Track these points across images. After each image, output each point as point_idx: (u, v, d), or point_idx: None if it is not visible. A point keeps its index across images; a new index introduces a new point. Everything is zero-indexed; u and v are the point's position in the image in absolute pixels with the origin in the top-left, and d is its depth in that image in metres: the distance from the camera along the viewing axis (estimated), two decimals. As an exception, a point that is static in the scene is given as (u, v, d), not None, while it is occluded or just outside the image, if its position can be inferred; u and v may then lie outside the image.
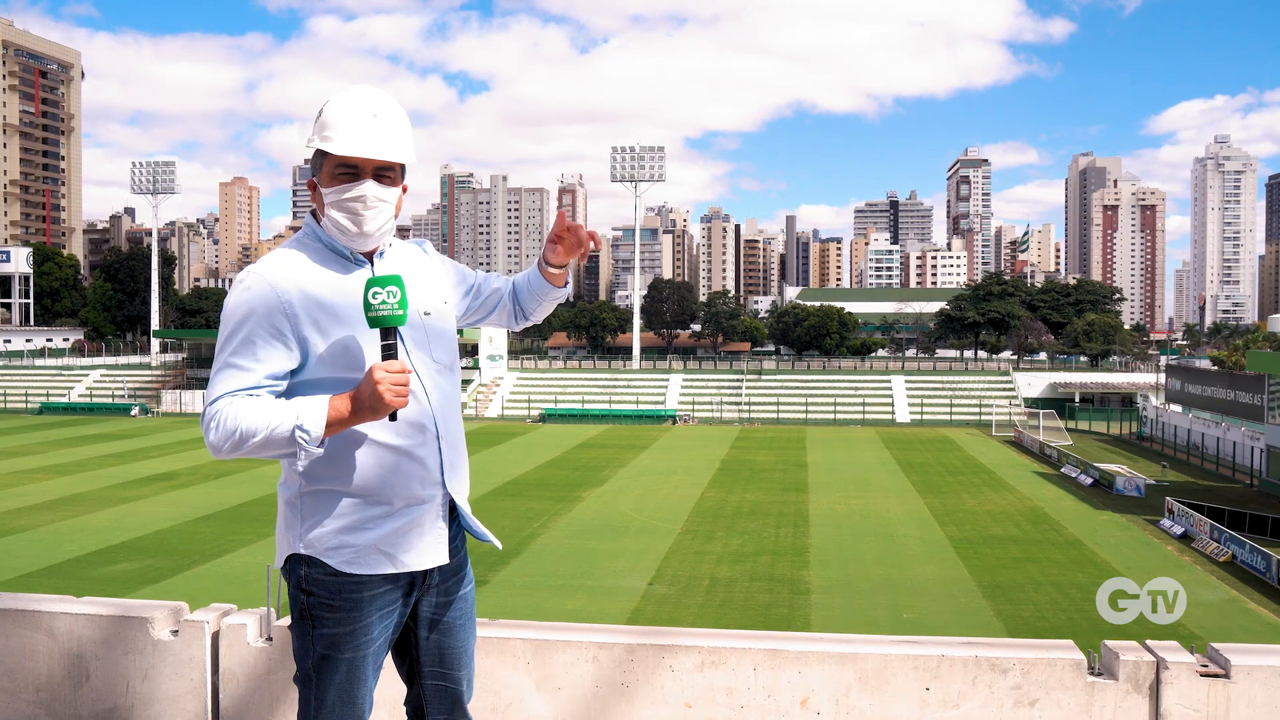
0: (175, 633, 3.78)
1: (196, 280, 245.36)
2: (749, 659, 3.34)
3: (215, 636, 3.75)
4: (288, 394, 2.43)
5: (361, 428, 2.43)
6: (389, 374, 2.31)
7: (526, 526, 32.24)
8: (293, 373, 2.44)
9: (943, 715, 3.24)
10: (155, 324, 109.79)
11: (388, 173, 2.49)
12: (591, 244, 2.76)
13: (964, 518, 34.88)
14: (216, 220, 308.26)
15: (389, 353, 2.38)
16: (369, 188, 2.45)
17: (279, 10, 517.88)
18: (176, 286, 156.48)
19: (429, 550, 2.55)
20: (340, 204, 2.45)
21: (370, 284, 2.38)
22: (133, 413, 74.45)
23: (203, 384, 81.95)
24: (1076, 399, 74.76)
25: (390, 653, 2.65)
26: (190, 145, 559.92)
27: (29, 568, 26.36)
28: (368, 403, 2.32)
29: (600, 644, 3.44)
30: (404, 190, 2.56)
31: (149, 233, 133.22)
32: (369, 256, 2.54)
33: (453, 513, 2.63)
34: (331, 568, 2.47)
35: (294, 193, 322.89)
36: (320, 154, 2.48)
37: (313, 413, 2.32)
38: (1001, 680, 3.22)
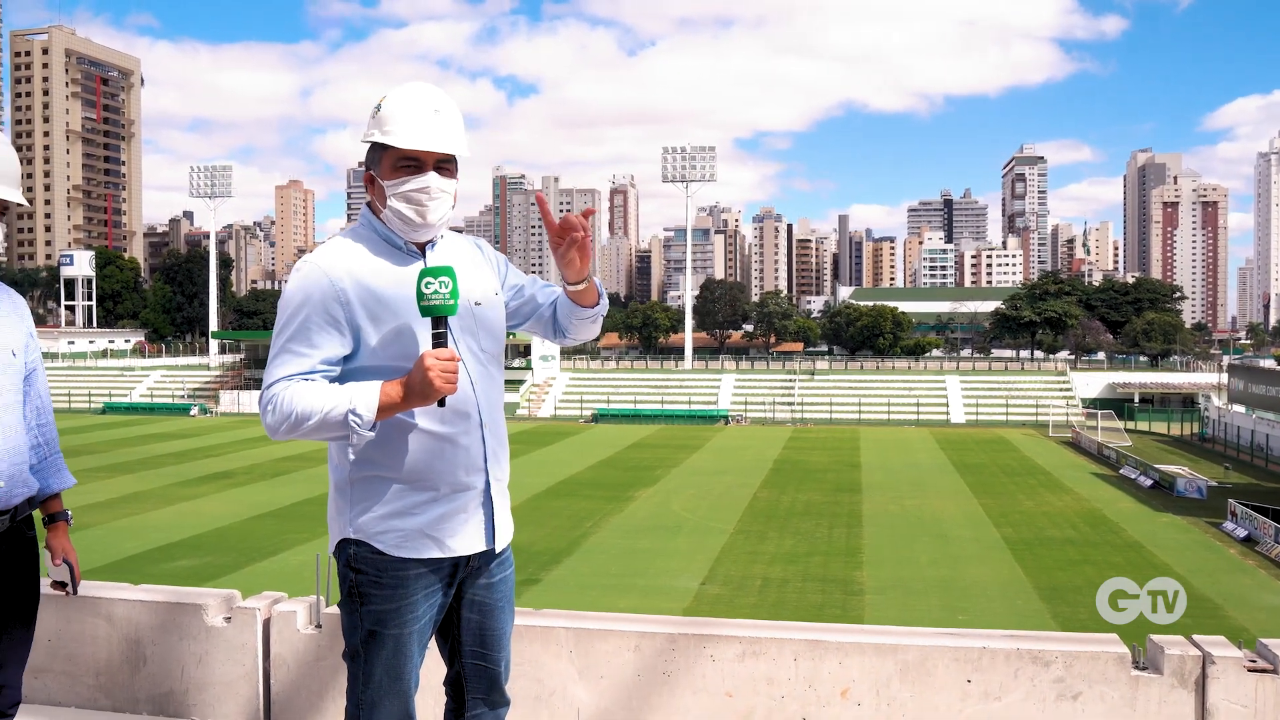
0: (228, 619, 3.87)
1: (253, 282, 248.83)
2: (790, 649, 3.36)
3: (266, 623, 3.83)
4: (341, 379, 2.50)
5: (409, 415, 2.50)
6: (439, 361, 2.37)
7: (579, 526, 32.35)
8: (346, 359, 2.51)
9: (984, 708, 3.23)
10: (213, 325, 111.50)
11: (447, 165, 2.56)
12: (582, 220, 2.79)
13: (1020, 519, 34.50)
14: (273, 223, 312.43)
15: (439, 341, 2.44)
16: (432, 179, 2.52)
17: (332, 18, 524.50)
18: (234, 288, 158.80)
19: (473, 535, 2.61)
20: (404, 195, 2.52)
21: (424, 274, 2.44)
22: (192, 413, 75.64)
23: (260, 384, 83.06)
24: (1136, 399, 73.62)
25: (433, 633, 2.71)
26: (247, 150, 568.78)
27: (92, 564, 26.88)
28: (418, 389, 2.38)
29: (642, 633, 3.47)
30: (457, 182, 2.64)
31: (207, 236, 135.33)
32: (421, 248, 2.61)
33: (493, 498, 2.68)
34: (375, 548, 2.54)
35: (348, 195, 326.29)
36: (380, 148, 2.55)
37: (365, 397, 2.39)
38: (1044, 673, 3.20)
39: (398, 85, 2.59)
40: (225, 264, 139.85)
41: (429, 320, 2.47)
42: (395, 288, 2.52)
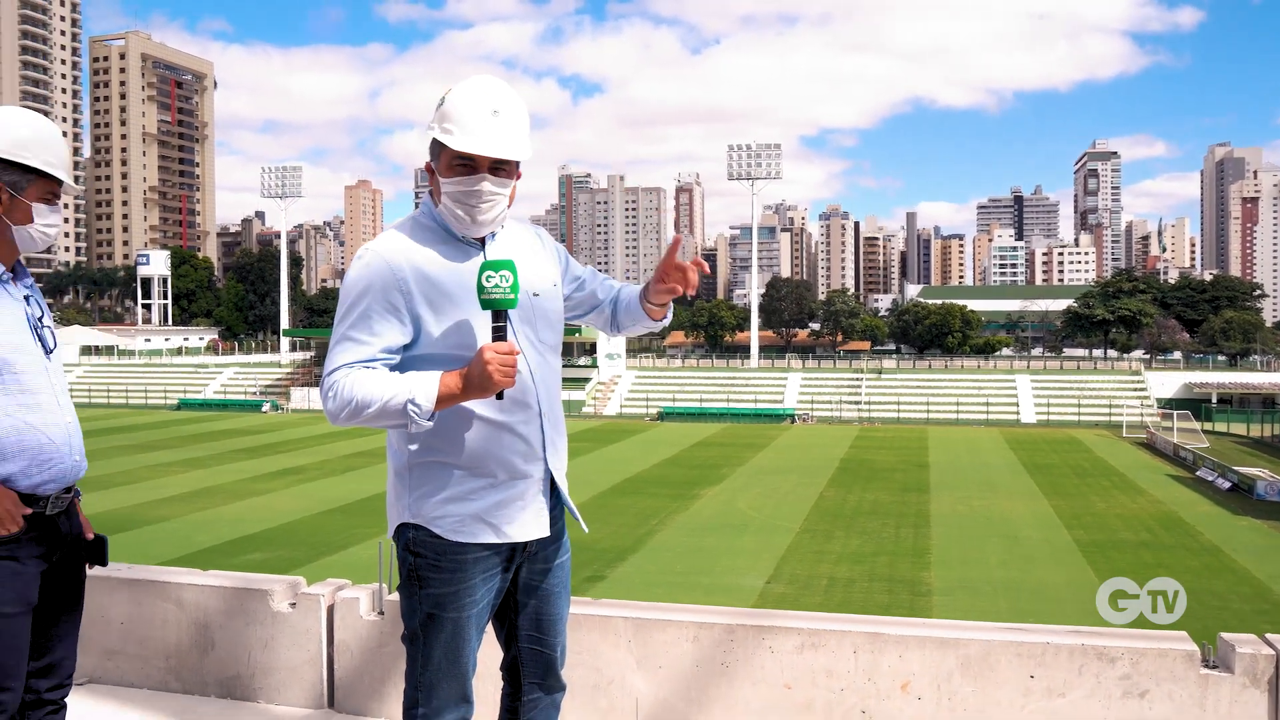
0: (293, 605, 3.93)
1: (323, 281, 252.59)
2: (849, 641, 3.33)
3: (330, 609, 3.89)
4: (400, 368, 2.52)
5: (468, 404, 2.52)
6: (498, 355, 2.39)
7: (644, 524, 32.38)
8: (406, 347, 2.53)
9: (1048, 704, 3.18)
10: (285, 323, 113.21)
11: (503, 167, 2.55)
12: (698, 274, 2.75)
13: (1092, 521, 33.90)
14: (342, 222, 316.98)
15: (499, 334, 2.46)
16: (485, 184, 2.52)
17: (399, 21, 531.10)
18: (304, 287, 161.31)
19: (530, 523, 2.63)
20: (456, 195, 2.53)
21: (484, 267, 2.46)
22: (264, 409, 76.89)
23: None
24: (1214, 400, 71.96)
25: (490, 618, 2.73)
26: (317, 151, 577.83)
27: (166, 556, 27.44)
28: (477, 381, 2.40)
29: (700, 624, 3.47)
30: (518, 178, 2.63)
31: (278, 235, 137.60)
32: (480, 239, 2.62)
33: (553, 486, 2.69)
34: (437, 533, 2.57)
35: (415, 195, 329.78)
36: (440, 143, 2.56)
37: (425, 387, 2.41)
38: (1109, 670, 3.14)
39: (464, 79, 2.58)
40: (296, 263, 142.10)
41: (489, 312, 2.49)
42: (454, 278, 2.54)
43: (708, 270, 2.81)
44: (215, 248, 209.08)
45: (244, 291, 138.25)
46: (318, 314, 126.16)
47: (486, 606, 2.64)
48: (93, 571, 2.98)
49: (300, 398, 79.98)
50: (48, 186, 2.78)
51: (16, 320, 2.71)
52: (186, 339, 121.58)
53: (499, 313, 2.47)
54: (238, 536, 30.12)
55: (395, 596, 3.83)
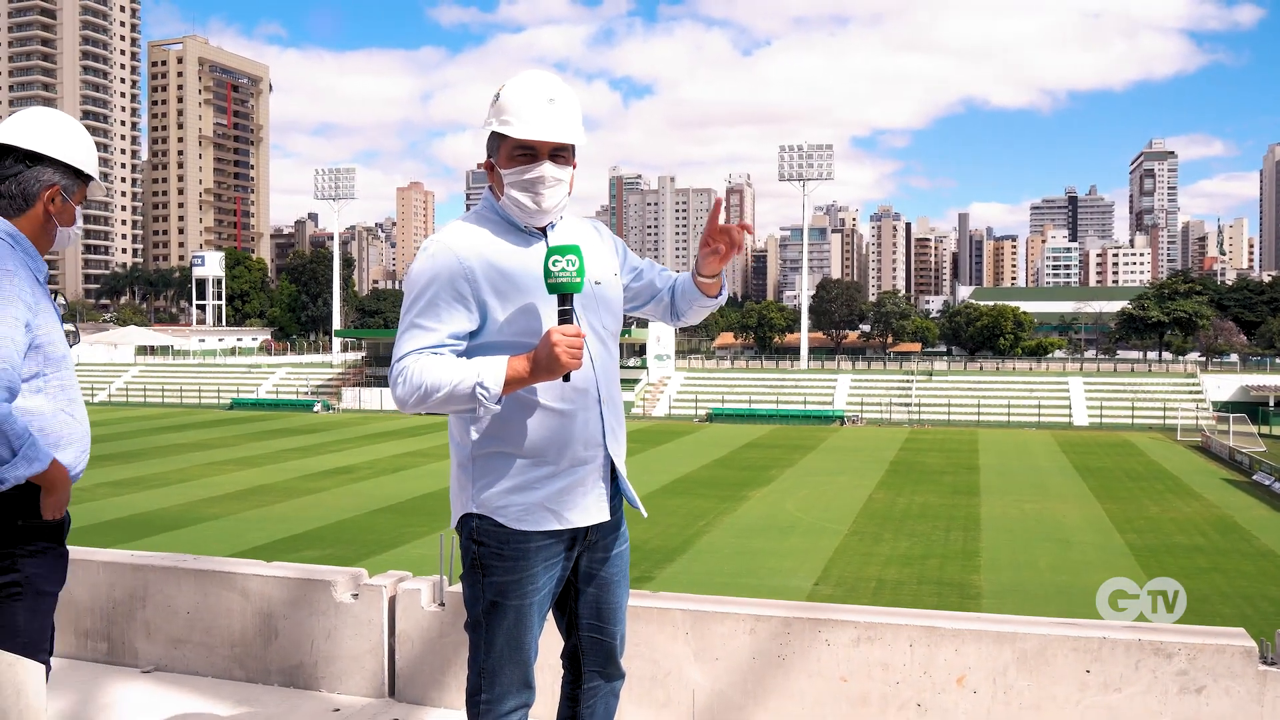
0: (355, 596, 4.01)
1: (375, 282, 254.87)
2: (905, 635, 3.35)
3: (392, 600, 3.97)
4: (468, 355, 2.58)
5: (530, 392, 2.58)
6: (565, 337, 2.45)
7: (693, 525, 32.39)
8: (472, 335, 2.60)
9: (1104, 699, 3.19)
10: (336, 324, 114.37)
11: (562, 153, 2.63)
12: (745, 235, 2.83)
13: (1145, 525, 33.46)
14: (394, 224, 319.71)
15: (565, 318, 2.52)
16: (547, 168, 2.60)
17: (452, 25, 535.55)
18: (356, 288, 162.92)
19: (591, 508, 2.68)
20: (520, 184, 2.60)
21: (550, 252, 2.52)
22: (315, 409, 77.71)
23: (382, 381, 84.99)
24: (1271, 403, 70.64)
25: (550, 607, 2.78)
26: (370, 154, 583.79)
27: (220, 552, 27.82)
28: (545, 364, 2.46)
29: (757, 616, 3.50)
30: (574, 168, 2.70)
31: (331, 237, 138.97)
32: (542, 230, 2.68)
33: (612, 473, 2.74)
34: (501, 522, 2.62)
35: (467, 196, 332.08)
36: (498, 136, 2.63)
37: (493, 371, 2.47)
38: (1166, 665, 3.14)
39: (519, 74, 2.66)
40: (348, 264, 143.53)
41: (554, 298, 2.55)
42: (519, 265, 2.60)
43: (752, 230, 2.86)
44: (269, 249, 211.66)
45: (296, 292, 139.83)
46: (369, 315, 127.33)
47: (548, 594, 2.69)
48: (160, 562, 3.10)
49: (351, 398, 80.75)
50: (85, 190, 2.96)
51: (54, 318, 2.84)
52: (240, 339, 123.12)
53: (565, 297, 2.53)
54: (290, 534, 30.50)
55: (456, 588, 3.90)
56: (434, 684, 3.88)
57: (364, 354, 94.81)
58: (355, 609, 4.00)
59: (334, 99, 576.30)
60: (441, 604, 3.90)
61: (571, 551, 2.71)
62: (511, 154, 2.61)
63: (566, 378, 2.51)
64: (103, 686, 4.15)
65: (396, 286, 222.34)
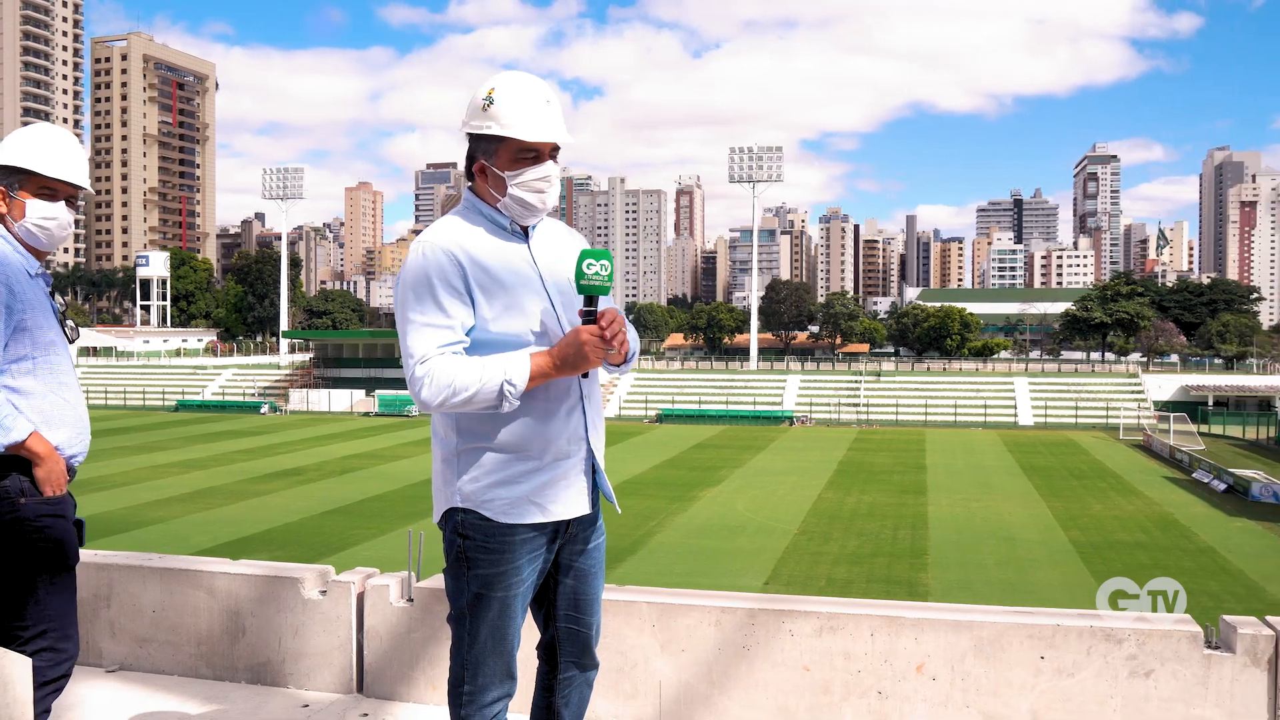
0: (324, 592, 4.04)
1: (323, 283, 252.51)
2: (866, 625, 3.45)
3: (360, 597, 4.00)
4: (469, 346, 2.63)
5: None
6: (593, 337, 2.52)
7: (643, 525, 32.45)
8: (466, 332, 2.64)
9: (1057, 683, 3.30)
10: (284, 325, 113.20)
11: (556, 151, 2.70)
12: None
13: (1089, 523, 34.03)
14: (342, 224, 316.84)
15: (589, 319, 2.58)
16: (551, 169, 2.67)
17: (401, 24, 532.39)
18: (303, 289, 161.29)
19: (574, 501, 2.73)
20: (526, 184, 2.65)
21: (585, 255, 2.59)
22: (262, 410, 76.90)
23: (329, 383, 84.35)
24: (1210, 402, 72.11)
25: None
26: (318, 153, 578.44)
27: (169, 556, 27.50)
28: (571, 360, 2.53)
29: (723, 608, 3.58)
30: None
31: (278, 237, 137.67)
32: (525, 229, 2.73)
33: (592, 467, 2.79)
34: (482, 514, 2.66)
35: (416, 197, 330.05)
36: (495, 139, 2.65)
37: (518, 368, 2.52)
38: (1117, 650, 3.27)
39: (499, 76, 2.68)
40: (295, 264, 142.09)
41: (543, 297, 2.64)
42: (507, 265, 2.65)
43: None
44: (215, 249, 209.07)
45: (243, 293, 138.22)
46: (317, 316, 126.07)
47: (531, 586, 2.74)
48: (125, 561, 3.21)
49: (299, 399, 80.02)
50: (41, 183, 3.08)
51: (49, 312, 3.02)
52: (185, 340, 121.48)
53: (590, 299, 2.59)
54: (237, 537, 30.17)
55: (424, 584, 3.95)
56: (403, 679, 3.92)
57: (312, 355, 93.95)
58: (323, 605, 4.03)
59: (282, 98, 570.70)
60: (410, 600, 3.94)
61: (554, 544, 2.75)
62: (515, 156, 2.64)
63: (586, 374, 2.59)
64: (68, 687, 4.14)
65: (344, 287, 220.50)
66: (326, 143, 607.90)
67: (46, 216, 3.08)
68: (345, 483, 41.26)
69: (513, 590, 2.68)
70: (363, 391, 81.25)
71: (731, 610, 3.57)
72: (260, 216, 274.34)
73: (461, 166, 2.84)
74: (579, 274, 2.57)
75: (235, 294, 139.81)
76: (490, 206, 2.70)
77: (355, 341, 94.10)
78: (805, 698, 3.48)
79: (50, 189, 3.08)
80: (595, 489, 2.82)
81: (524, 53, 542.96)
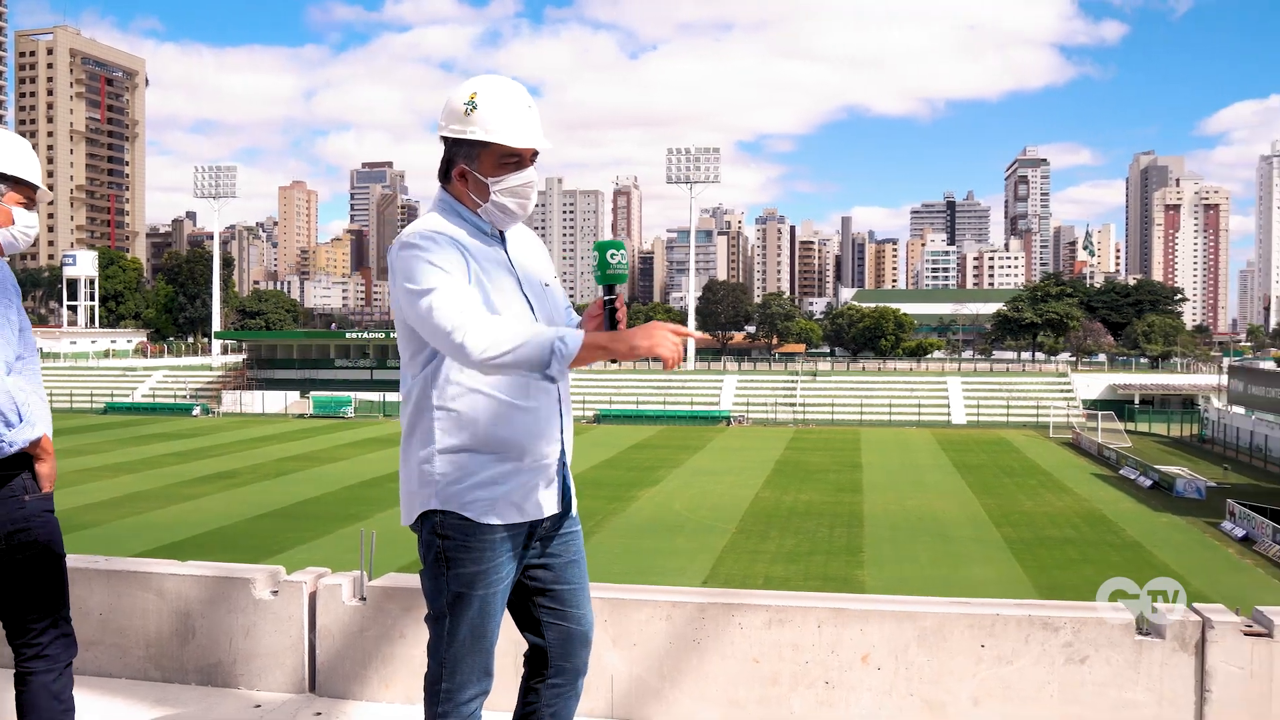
0: (275, 593, 4.05)
1: (255, 283, 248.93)
2: (814, 617, 3.54)
3: (313, 596, 4.01)
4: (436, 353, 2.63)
5: (496, 390, 2.63)
6: (671, 334, 2.45)
7: (581, 526, 32.42)
8: None
9: (997, 671, 3.42)
10: (216, 325, 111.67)
11: (535, 157, 2.70)
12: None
13: (1020, 519, 34.67)
14: (275, 224, 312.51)
15: (611, 305, 2.63)
16: (534, 175, 2.68)
17: (336, 22, 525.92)
18: (236, 289, 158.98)
19: (548, 500, 2.75)
20: (509, 190, 2.65)
21: (607, 246, 2.64)
22: (194, 413, 75.78)
23: (262, 384, 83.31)
24: (1136, 401, 73.74)
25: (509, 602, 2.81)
26: (251, 152, 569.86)
27: (100, 560, 27.01)
28: (637, 341, 2.43)
29: (674, 603, 3.66)
30: None
31: (210, 236, 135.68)
32: (501, 233, 2.75)
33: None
34: (462, 516, 2.65)
35: (351, 196, 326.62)
36: (477, 144, 2.63)
37: (570, 332, 2.45)
38: (1053, 638, 3.39)
39: (479, 80, 2.67)
40: (228, 264, 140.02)
41: (525, 298, 2.68)
42: (489, 262, 2.66)
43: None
44: (144, 248, 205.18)
45: (174, 293, 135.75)
46: (250, 316, 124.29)
47: (509, 585, 2.74)
48: (71, 563, 3.26)
49: (231, 401, 78.93)
50: (24, 191, 3.13)
51: (23, 313, 3.09)
52: (114, 342, 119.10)
53: (609, 288, 2.63)
54: (169, 542, 29.72)
55: (377, 583, 3.97)
56: (356, 678, 3.94)
57: (245, 356, 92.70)
58: (275, 605, 4.04)
59: (214, 95, 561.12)
60: (363, 599, 3.96)
61: (531, 542, 2.76)
62: (498, 162, 2.64)
63: (614, 360, 2.52)
64: (11, 693, 4.11)
65: (278, 287, 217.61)
66: (260, 141, 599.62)
67: (29, 225, 3.12)
68: (281, 485, 40.83)
69: (492, 589, 2.69)
70: (297, 393, 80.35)
71: (682, 605, 3.64)
72: (191, 215, 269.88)
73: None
74: (603, 264, 2.60)
75: (166, 294, 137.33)
76: (470, 211, 2.69)
77: (290, 342, 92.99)
78: (755, 689, 3.57)
79: (30, 196, 3.12)
80: (566, 487, 2.84)
81: (460, 52, 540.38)
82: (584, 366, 2.56)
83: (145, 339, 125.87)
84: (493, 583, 2.68)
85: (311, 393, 79.45)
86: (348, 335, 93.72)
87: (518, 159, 2.65)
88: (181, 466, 46.43)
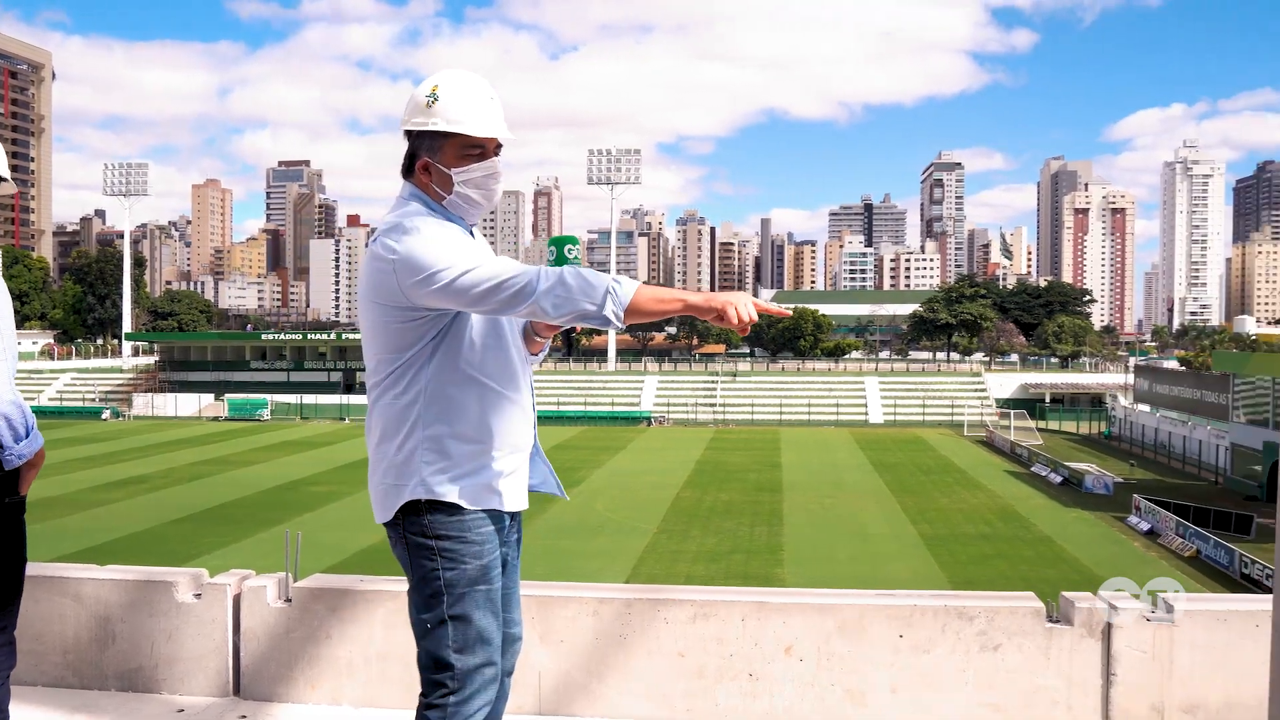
0: (198, 596, 4.01)
1: (168, 283, 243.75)
2: (738, 611, 3.62)
3: (237, 599, 3.98)
4: (440, 339, 2.58)
5: (482, 375, 2.59)
6: (753, 304, 2.44)
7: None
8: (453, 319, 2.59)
9: (915, 660, 3.53)
10: (127, 327, 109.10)
11: (499, 149, 2.70)
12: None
13: (936, 516, 35.28)
14: (189, 223, 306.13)
15: None
16: (497, 165, 2.67)
17: (251, 18, 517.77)
18: (148, 289, 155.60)
19: (521, 493, 2.72)
20: (474, 181, 2.63)
21: (565, 241, 2.88)
22: (104, 416, 74.03)
23: (175, 387, 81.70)
24: (1047, 399, 75.52)
25: None
26: (164, 149, 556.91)
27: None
28: (716, 303, 2.42)
29: (600, 599, 3.70)
30: None
31: (120, 235, 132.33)
32: (470, 231, 2.72)
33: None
34: (454, 506, 2.57)
35: (267, 195, 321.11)
36: (441, 136, 2.61)
37: (625, 278, 2.42)
38: (968, 627, 3.51)
39: (441, 74, 2.67)
40: (139, 264, 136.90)
41: None
42: None
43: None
44: (51, 247, 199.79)
45: (82, 293, 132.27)
46: (162, 317, 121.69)
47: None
48: None
49: (143, 404, 77.27)
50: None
51: None
52: (19, 343, 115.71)
53: None
54: (80, 549, 28.90)
55: (303, 583, 3.95)
56: (282, 680, 3.93)
57: (157, 358, 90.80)
58: (198, 609, 4.00)
59: (124, 91, 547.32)
60: (288, 600, 3.94)
61: (504, 537, 2.70)
62: (461, 152, 2.62)
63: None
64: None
65: (192, 288, 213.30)
66: (172, 138, 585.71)
67: None
68: (195, 490, 40.04)
69: (495, 583, 2.62)
70: (212, 395, 78.91)
71: (609, 600, 3.69)
72: (101, 214, 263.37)
73: (400, 164, 2.74)
74: (561, 259, 2.72)
75: (74, 294, 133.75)
76: (437, 204, 2.65)
77: (203, 344, 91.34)
78: (680, 682, 3.63)
79: None
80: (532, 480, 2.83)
81: (379, 50, 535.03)
82: (641, 321, 2.47)
83: (52, 340, 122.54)
84: (491, 579, 2.61)
85: (226, 395, 78.05)
86: (264, 336, 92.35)
87: (480, 149, 2.64)
88: (91, 472, 45.28)
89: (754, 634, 3.59)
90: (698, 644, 3.62)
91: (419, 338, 2.57)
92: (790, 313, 2.60)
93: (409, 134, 2.67)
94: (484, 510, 2.60)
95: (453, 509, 2.57)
